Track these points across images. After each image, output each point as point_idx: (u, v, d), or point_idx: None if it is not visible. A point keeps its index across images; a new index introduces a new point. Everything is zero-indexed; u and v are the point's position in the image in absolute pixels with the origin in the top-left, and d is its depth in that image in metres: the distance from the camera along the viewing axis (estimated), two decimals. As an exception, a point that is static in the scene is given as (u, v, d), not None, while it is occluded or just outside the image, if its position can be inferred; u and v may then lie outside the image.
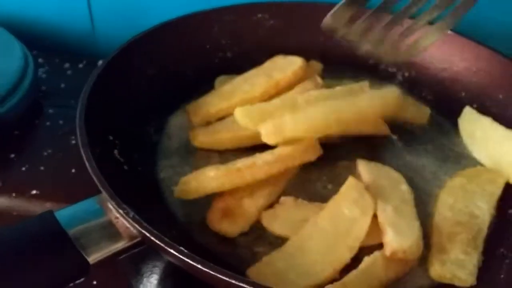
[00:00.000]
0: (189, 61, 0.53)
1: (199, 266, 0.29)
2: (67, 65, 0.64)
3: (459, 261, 0.37)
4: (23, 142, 0.53)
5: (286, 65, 0.50)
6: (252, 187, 0.41)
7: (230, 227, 0.39)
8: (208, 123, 0.48)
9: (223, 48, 0.56)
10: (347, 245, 0.36)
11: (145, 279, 0.40)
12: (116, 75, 0.46)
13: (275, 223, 0.39)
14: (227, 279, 0.28)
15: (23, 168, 0.49)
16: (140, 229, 0.31)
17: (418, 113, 0.51)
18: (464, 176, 0.44)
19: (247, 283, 0.28)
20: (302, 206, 0.41)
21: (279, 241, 0.39)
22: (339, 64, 0.55)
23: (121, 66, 0.47)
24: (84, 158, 0.36)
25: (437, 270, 0.37)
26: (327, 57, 0.55)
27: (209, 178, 0.39)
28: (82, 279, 0.39)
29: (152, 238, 0.31)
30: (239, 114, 0.43)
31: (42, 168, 0.49)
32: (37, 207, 0.46)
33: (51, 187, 0.47)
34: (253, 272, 0.35)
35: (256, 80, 0.49)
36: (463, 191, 0.42)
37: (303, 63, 0.50)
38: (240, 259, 0.37)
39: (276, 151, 0.41)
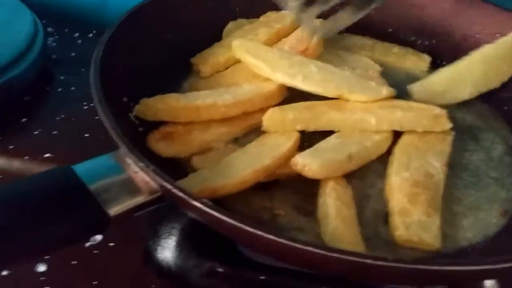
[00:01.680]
0: (202, 27, 0.52)
1: (223, 217, 0.28)
2: (76, 34, 0.63)
3: (422, 223, 0.36)
4: (35, 107, 0.52)
5: (282, 17, 0.53)
6: (207, 123, 0.42)
7: (165, 148, 0.40)
8: (217, 71, 0.49)
9: (236, 15, 0.54)
10: (268, 155, 0.38)
11: (162, 240, 0.39)
12: (128, 36, 0.45)
13: (203, 165, 0.39)
14: (252, 230, 0.27)
15: (36, 132, 0.48)
16: (161, 181, 0.30)
17: (419, 61, 0.53)
18: (414, 133, 0.43)
19: (272, 233, 0.27)
20: (231, 149, 0.41)
21: (299, 202, 0.38)
22: (357, 31, 0.54)
23: (134, 27, 0.46)
24: (101, 112, 0.35)
25: (403, 235, 0.35)
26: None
27: (167, 107, 0.41)
28: (101, 236, 0.39)
29: (174, 190, 0.30)
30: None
31: (55, 132, 0.49)
32: (51, 169, 0.45)
33: (64, 151, 0.46)
34: (183, 183, 0.35)
35: (258, 30, 0.51)
36: (415, 149, 0.41)
37: None
38: (260, 221, 0.37)
39: (237, 94, 0.43)
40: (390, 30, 0.55)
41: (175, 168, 0.40)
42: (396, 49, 0.54)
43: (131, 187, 0.33)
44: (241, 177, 0.37)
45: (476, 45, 0.52)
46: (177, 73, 0.49)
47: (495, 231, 0.37)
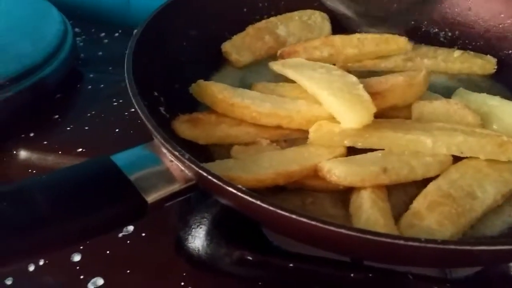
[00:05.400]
0: (227, 21, 0.53)
1: (257, 202, 0.29)
2: (103, 34, 0.65)
3: (429, 229, 0.34)
4: (66, 104, 0.54)
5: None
6: (239, 120, 0.43)
7: (186, 130, 0.42)
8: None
9: (259, 8, 0.55)
10: (299, 162, 0.38)
11: (193, 230, 0.40)
12: (157, 33, 0.46)
13: (240, 155, 0.40)
14: (287, 214, 0.28)
15: (68, 128, 0.50)
16: (196, 169, 0.31)
17: (486, 64, 0.51)
18: (486, 160, 0.39)
19: (308, 218, 0.28)
20: (272, 148, 0.41)
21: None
22: (379, 23, 0.54)
23: (161, 25, 0.48)
24: (136, 106, 0.36)
25: (401, 230, 0.35)
26: (368, 16, 0.54)
27: (210, 93, 0.44)
28: (133, 226, 0.40)
29: (209, 177, 0.31)
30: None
31: (86, 128, 0.50)
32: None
33: (96, 145, 0.48)
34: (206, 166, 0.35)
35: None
36: (475, 171, 0.38)
37: None
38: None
39: (278, 106, 0.42)
40: (412, 22, 0.56)
41: (203, 156, 0.41)
42: (457, 53, 0.52)
43: (167, 176, 0.34)
44: (259, 175, 0.37)
45: (500, 34, 0.52)
46: (205, 67, 0.50)
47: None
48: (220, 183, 0.30)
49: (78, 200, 0.31)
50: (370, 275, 0.37)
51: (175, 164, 0.34)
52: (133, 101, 0.37)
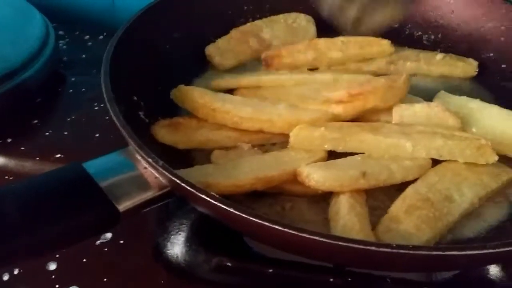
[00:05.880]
0: (211, 26, 0.53)
1: (231, 209, 0.29)
2: (87, 37, 0.64)
3: (406, 234, 0.35)
4: (46, 109, 0.53)
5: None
6: (220, 124, 0.43)
7: (165, 135, 0.42)
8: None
9: (244, 12, 0.55)
10: (278, 167, 0.38)
11: (172, 237, 0.40)
12: (138, 37, 0.46)
13: (221, 160, 0.40)
14: (260, 221, 0.28)
15: (47, 133, 0.49)
16: (170, 176, 0.31)
17: (466, 66, 0.51)
18: (465, 163, 0.40)
19: (281, 225, 0.28)
20: (253, 152, 0.41)
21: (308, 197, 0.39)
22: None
23: (143, 28, 0.47)
24: (110, 111, 0.36)
25: (379, 235, 0.35)
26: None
27: (191, 98, 0.43)
28: (110, 233, 0.40)
29: (183, 184, 0.30)
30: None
31: (66, 133, 0.49)
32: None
33: (75, 151, 0.47)
34: (183, 173, 0.35)
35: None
36: (453, 174, 0.39)
37: None
38: (268, 214, 0.37)
39: (260, 110, 0.42)
40: (396, 26, 0.56)
41: (183, 161, 0.41)
42: (439, 56, 0.52)
43: (141, 183, 0.33)
44: (238, 180, 0.36)
45: (482, 37, 0.53)
46: (188, 70, 0.50)
47: (498, 221, 0.38)
48: (193, 190, 0.30)
49: (47, 209, 0.30)
50: (349, 279, 0.37)
51: (150, 171, 0.33)
52: (108, 105, 0.36)
